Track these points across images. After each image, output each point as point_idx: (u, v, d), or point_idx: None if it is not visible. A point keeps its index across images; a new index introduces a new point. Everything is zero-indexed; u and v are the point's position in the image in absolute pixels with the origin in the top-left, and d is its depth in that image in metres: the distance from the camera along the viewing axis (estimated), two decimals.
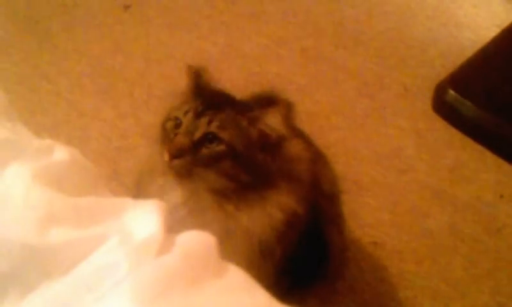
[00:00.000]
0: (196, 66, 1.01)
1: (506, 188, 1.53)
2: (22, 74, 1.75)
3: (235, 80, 1.72)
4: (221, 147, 0.91)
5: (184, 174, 0.91)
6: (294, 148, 1.01)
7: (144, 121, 1.62)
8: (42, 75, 1.75)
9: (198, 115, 0.92)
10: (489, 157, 1.59)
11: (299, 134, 1.11)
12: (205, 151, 0.91)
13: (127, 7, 1.96)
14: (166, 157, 0.90)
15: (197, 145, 0.91)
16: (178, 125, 0.93)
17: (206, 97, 0.97)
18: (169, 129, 0.94)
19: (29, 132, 0.75)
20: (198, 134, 0.91)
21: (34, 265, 0.58)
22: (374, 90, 1.77)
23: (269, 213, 0.95)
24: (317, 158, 1.14)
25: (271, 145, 0.96)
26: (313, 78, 1.79)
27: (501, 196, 1.51)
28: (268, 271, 0.99)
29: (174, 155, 0.90)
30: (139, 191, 1.02)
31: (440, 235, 1.44)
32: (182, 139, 0.91)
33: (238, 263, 0.90)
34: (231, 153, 0.92)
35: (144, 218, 0.63)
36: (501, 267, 1.38)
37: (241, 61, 1.83)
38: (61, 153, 0.70)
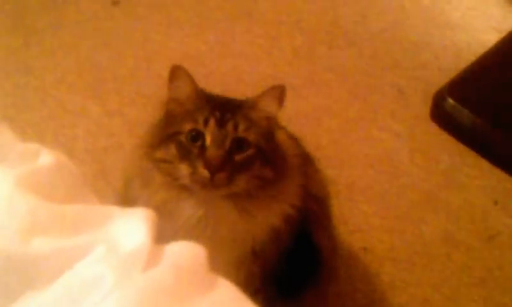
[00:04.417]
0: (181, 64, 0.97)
1: (501, 195, 1.52)
2: (7, 70, 1.72)
3: (226, 80, 1.71)
4: (251, 150, 0.92)
5: (225, 185, 0.90)
6: (282, 136, 1.02)
7: (132, 120, 1.60)
8: (28, 71, 1.72)
9: (220, 123, 0.91)
10: (484, 163, 1.58)
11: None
12: (238, 157, 0.91)
13: (115, 3, 1.94)
14: (206, 173, 0.88)
15: (229, 153, 0.90)
16: (196, 137, 0.91)
17: (211, 101, 0.96)
18: (187, 143, 0.91)
19: (13, 135, 0.73)
20: (228, 142, 0.90)
21: (16, 276, 0.56)
22: (367, 92, 1.76)
23: (276, 209, 0.96)
24: (305, 159, 1.13)
25: (272, 133, 0.97)
26: (306, 78, 1.78)
27: (495, 203, 1.50)
28: (257, 272, 0.99)
29: (216, 170, 0.88)
30: (127, 201, 0.99)
31: (432, 241, 1.43)
32: (216, 152, 0.89)
33: (228, 262, 0.93)
34: (259, 153, 0.92)
35: (131, 228, 0.61)
36: (494, 275, 1.37)
37: (232, 60, 1.81)
38: (46, 158, 0.68)
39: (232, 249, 0.95)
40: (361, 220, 1.45)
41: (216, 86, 1.03)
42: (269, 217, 0.95)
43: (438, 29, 1.97)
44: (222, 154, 0.89)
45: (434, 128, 1.67)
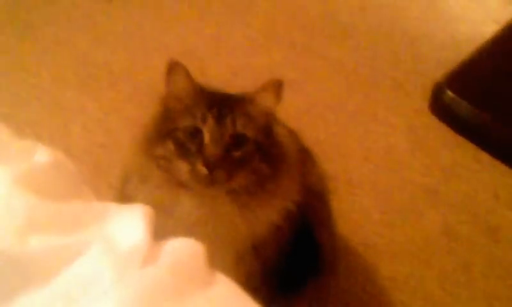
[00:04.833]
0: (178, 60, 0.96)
1: (502, 188, 1.51)
2: (2, 67, 1.71)
3: (223, 74, 1.69)
4: (250, 146, 0.91)
5: (224, 181, 0.89)
6: (281, 131, 1.01)
7: (129, 116, 1.59)
8: (23, 68, 1.72)
9: (218, 119, 0.90)
10: (485, 156, 1.57)
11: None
12: (236, 153, 0.90)
13: None
14: (204, 170, 0.87)
15: (227, 149, 0.89)
16: (194, 134, 0.90)
17: (209, 97, 0.95)
18: (185, 140, 0.90)
19: (9, 132, 0.73)
20: (226, 139, 0.89)
21: (13, 274, 0.56)
22: (366, 85, 1.75)
23: (275, 204, 0.95)
24: (304, 154, 1.13)
25: (270, 128, 0.96)
26: (303, 72, 1.76)
27: (496, 196, 1.49)
28: (257, 268, 0.98)
29: (214, 167, 0.87)
30: (125, 197, 0.98)
31: (433, 236, 1.42)
32: (214, 149, 0.88)
33: (228, 258, 0.93)
34: (258, 149, 0.92)
35: (129, 224, 0.61)
36: (496, 270, 1.36)
37: (229, 54, 1.80)
38: (43, 156, 0.68)
39: (231, 246, 0.94)
40: (360, 215, 1.43)
41: (214, 81, 1.02)
42: (269, 212, 0.95)
43: (437, 21, 1.96)
44: (220, 151, 0.88)
45: (433, 121, 1.66)
